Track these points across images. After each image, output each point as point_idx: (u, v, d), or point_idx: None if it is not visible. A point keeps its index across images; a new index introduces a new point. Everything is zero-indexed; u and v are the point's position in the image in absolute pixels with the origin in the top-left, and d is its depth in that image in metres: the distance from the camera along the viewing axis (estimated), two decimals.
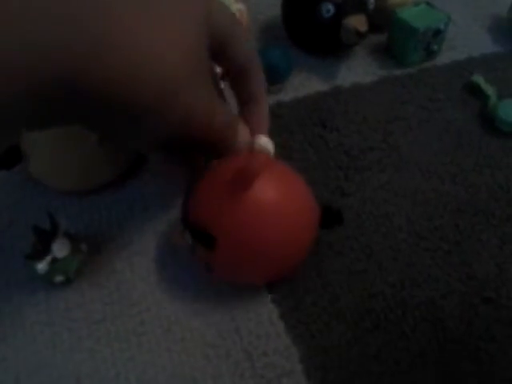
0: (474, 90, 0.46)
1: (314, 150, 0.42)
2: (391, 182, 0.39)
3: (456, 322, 0.32)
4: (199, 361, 0.31)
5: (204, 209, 0.29)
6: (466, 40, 0.52)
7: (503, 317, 0.32)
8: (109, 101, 0.21)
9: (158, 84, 0.22)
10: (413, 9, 0.47)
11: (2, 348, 0.31)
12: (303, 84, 0.47)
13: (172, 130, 0.25)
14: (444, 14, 0.47)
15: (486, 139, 0.42)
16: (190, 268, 0.34)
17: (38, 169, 0.38)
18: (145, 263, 0.35)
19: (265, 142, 0.30)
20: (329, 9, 0.44)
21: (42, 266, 0.32)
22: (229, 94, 0.32)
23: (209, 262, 0.30)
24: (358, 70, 0.49)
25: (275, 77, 0.46)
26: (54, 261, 0.32)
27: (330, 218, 0.33)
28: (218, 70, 0.36)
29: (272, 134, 0.31)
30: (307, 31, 0.47)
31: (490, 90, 0.44)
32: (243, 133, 0.30)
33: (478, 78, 0.46)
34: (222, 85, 0.35)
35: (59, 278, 0.33)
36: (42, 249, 0.32)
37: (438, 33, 0.47)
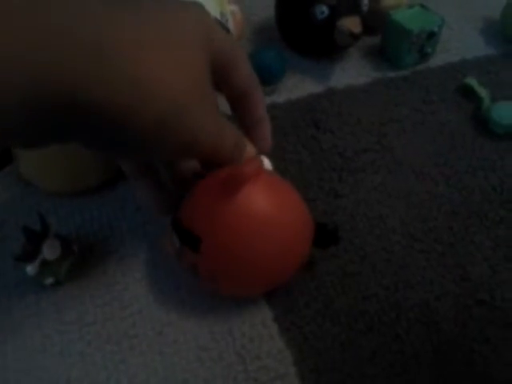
0: (468, 93, 0.46)
1: (308, 151, 0.41)
2: (385, 183, 0.39)
3: (450, 323, 0.31)
4: (192, 364, 0.30)
5: (193, 209, 0.28)
6: (460, 42, 0.52)
7: (497, 319, 0.32)
8: (110, 120, 0.21)
9: (160, 107, 0.22)
10: (407, 11, 0.47)
11: None
12: (297, 85, 0.47)
13: (174, 154, 0.26)
14: (438, 17, 0.47)
15: (479, 141, 0.42)
16: (182, 270, 0.34)
17: (28, 170, 0.37)
18: (136, 265, 0.35)
19: (266, 163, 0.31)
20: (323, 10, 0.44)
21: (31, 268, 0.31)
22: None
23: (195, 265, 0.29)
24: (352, 72, 0.49)
25: (269, 78, 0.46)
26: (44, 263, 0.31)
27: (325, 236, 0.32)
28: None
29: None
30: (301, 33, 0.47)
31: (483, 92, 0.45)
32: (249, 149, 0.30)
33: (472, 81, 0.46)
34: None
35: (49, 280, 0.32)
36: (32, 250, 0.31)
37: (431, 35, 0.47)
